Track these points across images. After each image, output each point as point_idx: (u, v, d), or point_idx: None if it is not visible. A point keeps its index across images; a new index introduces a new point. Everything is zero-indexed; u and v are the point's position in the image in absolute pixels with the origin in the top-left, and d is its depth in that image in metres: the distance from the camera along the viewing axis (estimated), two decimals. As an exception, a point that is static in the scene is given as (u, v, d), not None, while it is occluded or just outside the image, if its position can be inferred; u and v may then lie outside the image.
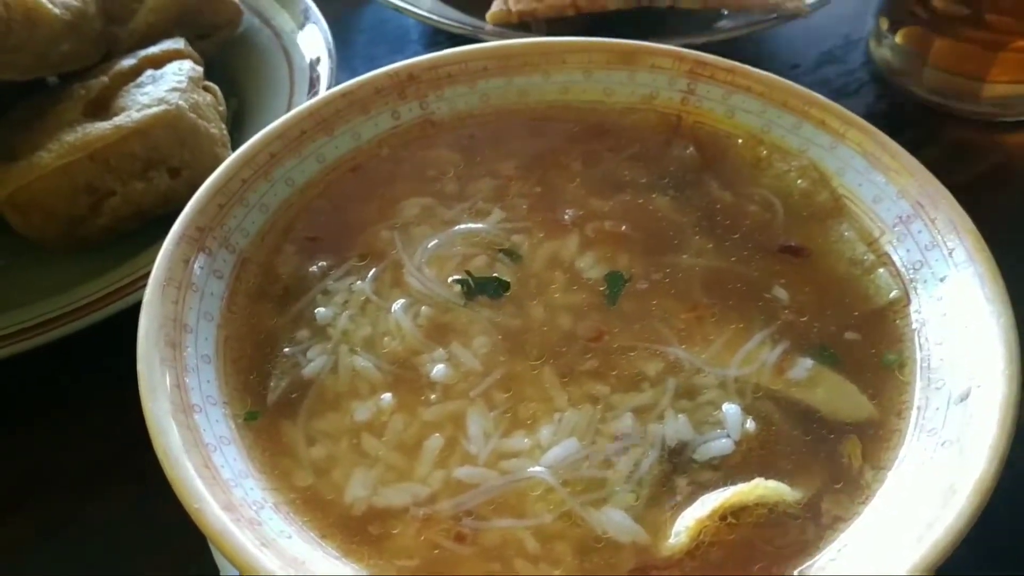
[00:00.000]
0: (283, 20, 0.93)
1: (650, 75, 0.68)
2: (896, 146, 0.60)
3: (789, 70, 1.03)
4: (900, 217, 0.59)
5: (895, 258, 0.58)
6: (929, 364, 0.53)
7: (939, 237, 0.56)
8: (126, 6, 0.87)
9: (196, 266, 0.55)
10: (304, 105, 0.63)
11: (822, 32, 1.06)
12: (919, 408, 0.51)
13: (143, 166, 0.74)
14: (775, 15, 0.90)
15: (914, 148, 0.91)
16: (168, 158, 0.74)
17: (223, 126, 0.80)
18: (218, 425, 0.49)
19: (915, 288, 0.56)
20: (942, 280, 0.55)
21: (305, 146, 0.63)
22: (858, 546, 0.45)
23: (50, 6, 0.77)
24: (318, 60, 0.87)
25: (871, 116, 0.95)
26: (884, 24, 1.01)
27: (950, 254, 0.55)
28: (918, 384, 0.52)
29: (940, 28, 0.94)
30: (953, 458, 0.46)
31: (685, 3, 0.88)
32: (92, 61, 0.83)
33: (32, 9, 0.75)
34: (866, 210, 0.61)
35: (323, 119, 0.64)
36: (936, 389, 0.51)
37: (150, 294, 0.52)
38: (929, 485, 0.46)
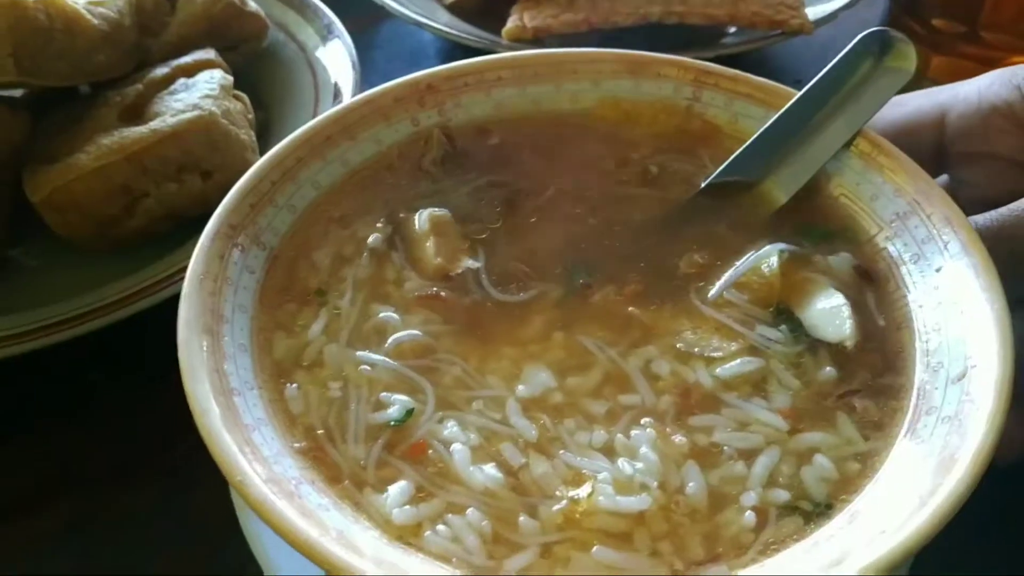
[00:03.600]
0: (308, 35, 0.97)
1: (656, 83, 0.70)
2: (891, 146, 0.63)
3: (793, 84, 1.06)
4: (897, 214, 0.61)
5: (894, 253, 0.61)
6: (927, 348, 0.55)
7: (935, 231, 0.59)
8: (158, 19, 0.91)
9: (230, 261, 0.57)
10: (329, 112, 0.66)
11: (825, 49, 1.09)
12: (919, 389, 0.54)
13: (177, 169, 0.77)
14: (780, 31, 0.94)
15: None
16: (201, 161, 0.78)
17: (252, 133, 0.83)
18: (255, 408, 0.52)
19: (913, 279, 0.59)
20: (938, 271, 0.57)
21: (330, 151, 0.66)
22: (867, 513, 0.48)
23: (89, 17, 0.80)
24: (342, 73, 0.91)
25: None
26: (884, 42, 1.05)
27: (945, 247, 0.58)
28: (918, 367, 0.55)
29: (939, 45, 0.98)
30: (952, 432, 0.49)
31: (692, 19, 0.92)
32: (125, 71, 0.86)
33: (72, 20, 0.79)
34: (865, 208, 0.63)
35: (347, 125, 0.67)
36: (934, 371, 0.54)
37: (188, 286, 0.55)
38: (931, 457, 0.48)
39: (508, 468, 0.51)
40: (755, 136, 0.65)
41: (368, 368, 0.56)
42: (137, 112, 0.81)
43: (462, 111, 0.70)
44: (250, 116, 0.85)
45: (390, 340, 0.57)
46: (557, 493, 0.50)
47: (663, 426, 0.53)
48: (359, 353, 0.57)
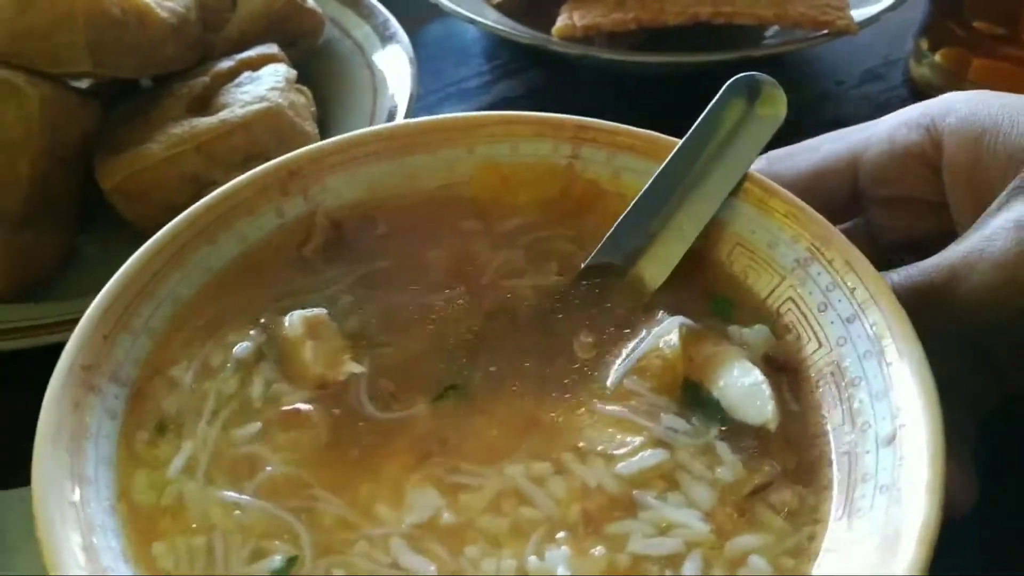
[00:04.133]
0: (364, 33, 0.99)
1: (533, 144, 0.67)
2: (783, 191, 0.61)
3: (835, 85, 1.09)
4: (797, 260, 0.59)
5: (799, 303, 0.59)
6: (851, 408, 0.53)
7: (838, 278, 0.57)
8: (220, 15, 0.93)
9: (87, 408, 0.52)
10: (183, 215, 0.61)
11: (864, 52, 1.12)
12: (848, 454, 0.52)
13: (243, 158, 0.79)
14: (825, 31, 0.96)
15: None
16: (267, 152, 0.80)
17: (315, 126, 0.86)
18: None
19: (824, 332, 0.57)
20: (848, 321, 0.56)
21: (189, 257, 0.60)
22: None
23: (159, 11, 0.83)
24: (399, 70, 0.93)
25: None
26: (924, 44, 1.07)
27: (852, 293, 0.56)
28: (845, 428, 0.53)
29: (978, 47, 0.99)
30: (892, 504, 0.47)
31: (740, 19, 0.94)
32: (190, 64, 0.89)
33: (144, 13, 0.82)
34: (764, 256, 0.61)
35: (204, 227, 0.61)
36: (862, 431, 0.52)
37: (41, 448, 0.48)
38: (873, 534, 0.47)
39: None
40: (641, 193, 0.63)
41: (232, 511, 0.50)
42: (204, 104, 0.84)
43: (330, 195, 0.65)
44: (313, 110, 0.88)
45: (258, 475, 0.52)
46: None
47: (577, 541, 0.49)
48: (222, 493, 0.51)
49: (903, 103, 1.05)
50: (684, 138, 0.64)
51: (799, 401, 0.56)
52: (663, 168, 0.64)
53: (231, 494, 0.51)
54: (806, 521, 0.50)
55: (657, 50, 0.99)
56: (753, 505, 0.51)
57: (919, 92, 1.07)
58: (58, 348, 0.54)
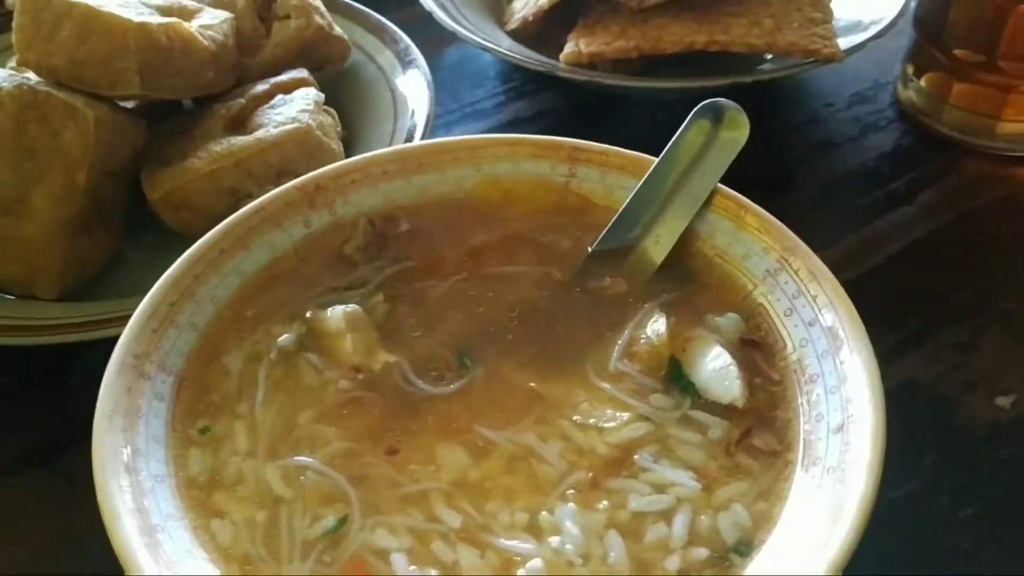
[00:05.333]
0: (386, 57, 1.07)
1: (533, 163, 0.76)
2: (757, 208, 0.70)
3: (824, 108, 1.16)
4: (768, 271, 0.67)
5: (769, 308, 0.67)
6: (808, 399, 0.61)
7: (803, 286, 0.65)
8: (255, 42, 1.02)
9: (139, 392, 0.59)
10: (220, 225, 0.70)
11: (854, 76, 1.19)
12: (804, 441, 0.59)
13: (276, 173, 0.88)
14: (812, 59, 1.03)
15: (937, 177, 1.05)
16: (297, 168, 0.88)
17: (340, 144, 0.94)
18: (181, 541, 0.55)
19: (789, 333, 0.65)
20: (809, 324, 0.64)
21: (226, 263, 0.69)
22: (763, 568, 0.54)
23: (201, 39, 0.92)
24: (419, 93, 1.01)
25: (898, 149, 1.10)
26: (910, 69, 1.14)
27: (814, 300, 0.64)
28: (801, 419, 0.61)
29: (960, 73, 1.06)
30: (837, 483, 0.54)
31: (734, 48, 1.02)
32: (227, 87, 0.97)
33: (188, 41, 0.90)
34: (738, 266, 0.69)
35: (240, 236, 0.70)
36: (817, 422, 0.59)
37: (99, 426, 0.56)
38: (819, 508, 0.54)
39: (443, 566, 0.54)
40: (625, 204, 0.72)
41: (292, 480, 0.58)
42: (240, 123, 0.92)
43: (352, 207, 0.74)
44: (339, 129, 0.96)
45: (315, 450, 0.60)
46: None
47: (582, 497, 0.57)
48: (280, 464, 0.59)
49: (889, 124, 1.14)
50: (658, 158, 0.73)
51: (773, 371, 0.64)
52: (642, 184, 0.72)
53: (285, 464, 0.59)
54: (778, 465, 0.59)
55: (660, 76, 1.06)
56: (737, 452, 0.60)
57: (905, 114, 1.14)
58: (106, 343, 0.62)
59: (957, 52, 1.06)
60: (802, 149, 1.11)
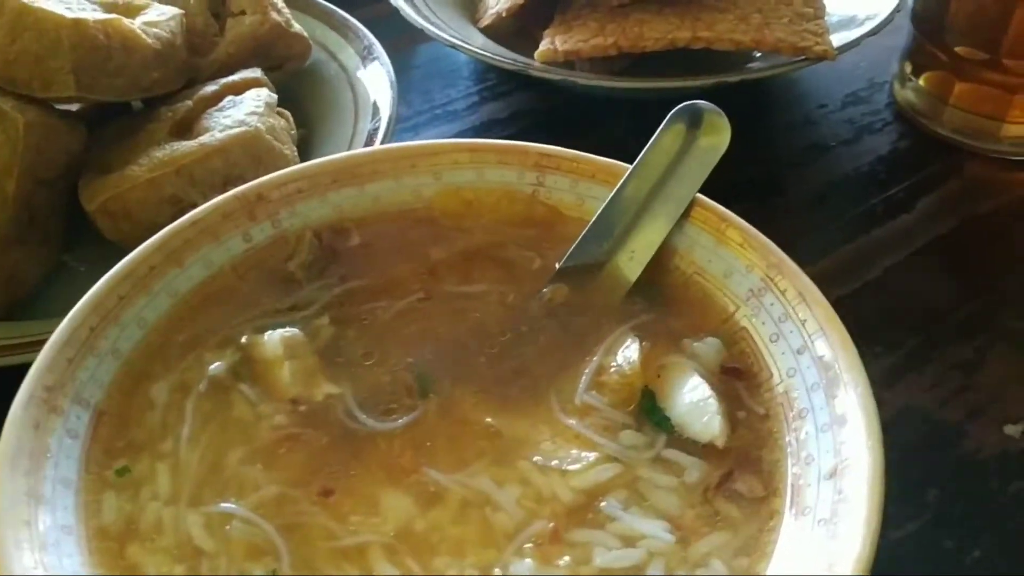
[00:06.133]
0: (348, 55, 1.00)
1: (498, 171, 0.69)
2: (740, 221, 0.63)
3: (817, 109, 1.09)
4: (752, 290, 0.61)
5: (753, 333, 0.60)
6: (797, 438, 0.54)
7: (790, 309, 0.58)
8: (207, 39, 0.95)
9: (48, 429, 0.53)
10: (149, 241, 0.63)
11: (848, 76, 1.13)
12: (792, 486, 0.53)
13: (223, 181, 0.81)
14: (803, 57, 0.96)
15: (938, 182, 0.99)
16: (245, 174, 0.81)
17: (294, 148, 0.87)
18: None
19: (776, 362, 0.58)
20: (798, 352, 0.57)
21: (155, 282, 0.62)
22: None
23: (144, 36, 0.85)
24: (381, 92, 0.94)
25: (895, 152, 1.03)
26: (908, 68, 1.07)
27: (803, 324, 0.57)
28: (789, 460, 0.54)
29: (961, 72, 1.00)
30: (829, 538, 0.48)
31: (719, 45, 0.95)
32: (176, 87, 0.90)
33: (129, 39, 0.83)
34: (719, 286, 0.63)
35: (171, 251, 0.63)
36: (807, 464, 0.52)
37: None
38: (809, 566, 0.47)
39: None
40: (595, 216, 0.66)
41: (215, 530, 0.52)
42: (187, 127, 0.86)
43: (299, 219, 0.67)
44: (293, 132, 0.89)
45: (243, 495, 0.53)
46: None
47: (541, 551, 0.51)
48: (204, 511, 0.53)
49: (886, 126, 1.07)
50: (632, 166, 0.66)
51: (757, 404, 0.58)
52: (614, 194, 0.66)
53: (209, 511, 0.52)
54: (763, 514, 0.52)
55: (642, 75, 0.99)
56: (716, 498, 0.53)
57: (902, 115, 1.07)
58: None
59: (958, 49, 0.99)
60: (793, 153, 1.04)
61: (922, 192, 0.98)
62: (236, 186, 0.82)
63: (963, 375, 0.80)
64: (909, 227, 0.94)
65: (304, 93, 0.99)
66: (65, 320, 0.57)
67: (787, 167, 1.02)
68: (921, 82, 1.05)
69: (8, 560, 0.46)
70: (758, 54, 1.05)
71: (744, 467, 0.54)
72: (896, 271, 0.90)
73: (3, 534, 0.47)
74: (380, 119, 0.90)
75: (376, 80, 0.96)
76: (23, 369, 0.69)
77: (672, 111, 0.68)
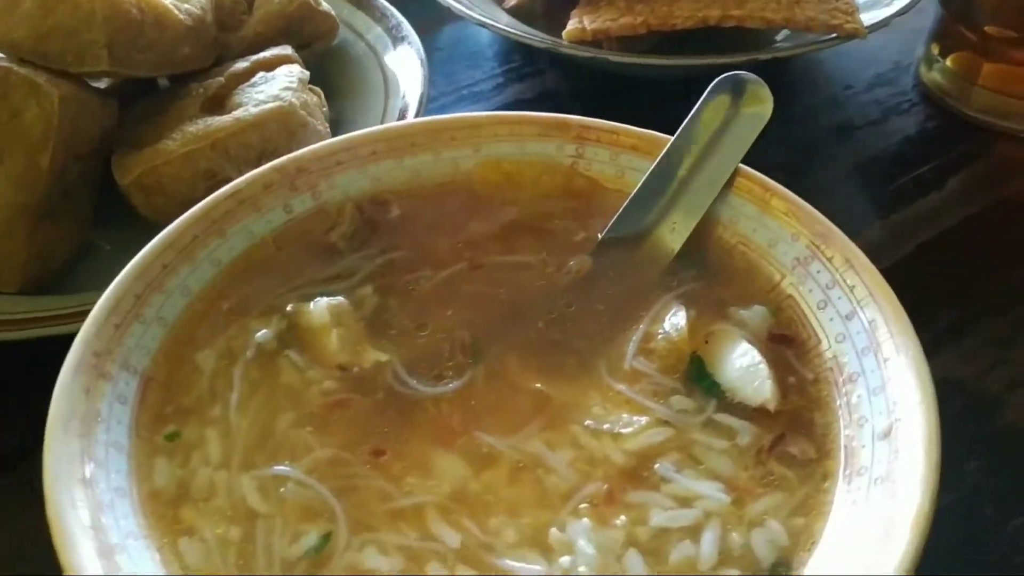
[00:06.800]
0: (376, 35, 1.00)
1: (537, 143, 0.69)
2: (783, 190, 0.63)
3: (843, 90, 1.09)
4: (797, 259, 0.61)
5: (799, 300, 0.60)
6: (848, 401, 0.54)
7: (838, 276, 0.58)
8: (235, 17, 0.95)
9: (98, 394, 0.53)
10: (191, 211, 0.63)
11: (873, 58, 1.13)
12: (846, 448, 0.53)
13: (257, 156, 0.81)
14: (834, 35, 0.96)
15: (967, 162, 0.98)
16: (279, 149, 0.81)
17: (327, 125, 0.87)
18: (143, 563, 0.48)
19: (824, 328, 0.58)
20: (847, 318, 0.57)
21: (199, 251, 0.62)
22: None
23: (176, 12, 0.85)
24: (411, 72, 0.94)
25: (923, 132, 1.03)
26: (935, 49, 1.07)
27: (851, 291, 0.57)
28: (841, 423, 0.54)
29: (990, 52, 1.00)
30: (887, 496, 0.48)
31: (749, 23, 0.95)
32: (205, 64, 0.90)
33: (162, 14, 0.83)
34: (764, 255, 0.62)
35: (214, 221, 0.63)
36: (860, 426, 0.53)
37: (52, 432, 0.49)
38: (867, 524, 0.47)
39: None
40: (637, 188, 0.65)
41: (269, 493, 0.52)
42: (219, 103, 0.85)
43: (338, 191, 0.67)
44: (324, 109, 0.89)
45: (296, 458, 0.53)
46: None
47: (597, 512, 0.51)
48: (257, 474, 0.52)
49: (912, 108, 1.07)
50: (674, 137, 0.66)
51: (806, 369, 0.58)
52: (656, 165, 0.66)
53: (263, 474, 0.52)
54: (816, 475, 0.52)
55: (667, 54, 0.99)
56: (769, 460, 0.53)
57: (929, 97, 1.07)
58: (71, 339, 0.55)
59: (988, 29, 0.99)
60: (821, 133, 1.04)
61: (951, 172, 0.98)
62: (271, 159, 0.83)
63: (999, 349, 0.79)
64: (939, 206, 0.94)
65: (333, 73, 0.99)
66: (111, 287, 0.57)
67: (815, 147, 1.02)
68: (948, 63, 1.05)
69: (65, 518, 0.46)
70: (779, 37, 1.06)
71: (796, 430, 0.54)
72: (927, 249, 0.90)
73: (59, 495, 0.47)
74: (411, 97, 0.90)
75: (405, 59, 0.96)
76: (57, 342, 0.70)
77: (714, 82, 0.67)
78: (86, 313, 0.69)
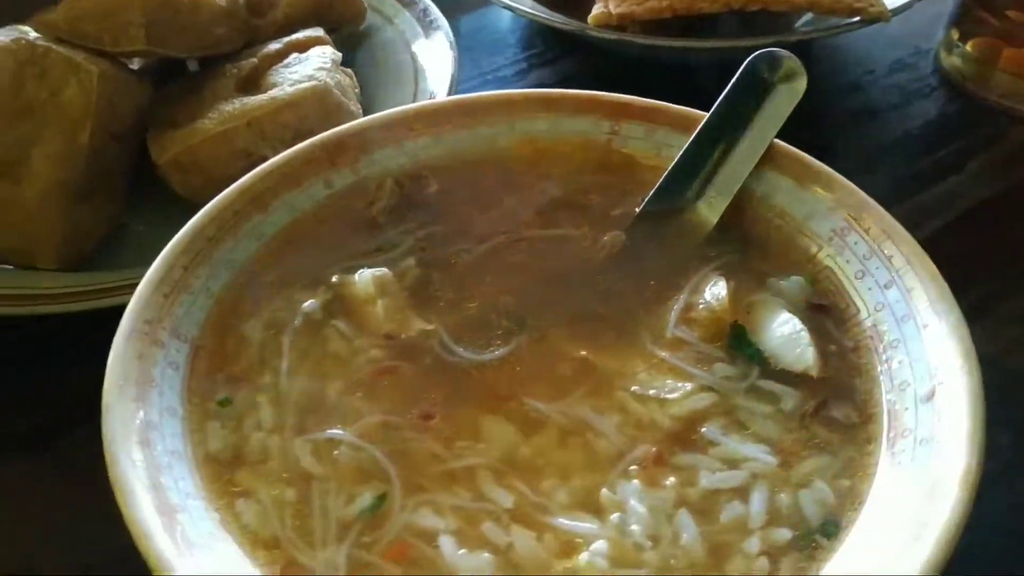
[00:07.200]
0: (404, 19, 1.01)
1: (573, 120, 0.71)
2: (819, 164, 0.64)
3: (864, 75, 1.10)
4: (834, 231, 0.62)
5: (837, 271, 0.61)
6: (890, 367, 0.55)
7: (875, 246, 0.59)
8: (266, 1, 0.96)
9: (151, 360, 0.54)
10: (234, 185, 0.64)
11: (894, 43, 1.14)
12: (888, 412, 0.54)
13: (292, 135, 0.82)
14: (858, 18, 0.97)
15: (986, 146, 0.99)
16: (315, 129, 0.81)
17: (359, 105, 0.88)
18: (203, 522, 0.49)
19: (862, 297, 0.59)
20: (886, 286, 0.58)
21: (242, 225, 0.63)
22: (856, 552, 0.48)
23: (211, -7, 0.86)
24: (441, 56, 0.95)
25: (943, 117, 1.04)
26: (955, 35, 1.08)
27: (889, 260, 0.58)
28: (883, 388, 0.55)
29: (1011, 36, 1.01)
30: (932, 456, 0.49)
31: (775, 6, 0.96)
32: (237, 47, 0.92)
33: (197, -5, 0.85)
34: (800, 227, 0.64)
35: (256, 196, 0.64)
36: (902, 391, 0.54)
37: (109, 396, 0.50)
38: (912, 484, 0.48)
39: (495, 549, 0.49)
40: (674, 163, 0.67)
41: (323, 456, 0.53)
42: (253, 83, 0.87)
43: (377, 167, 0.69)
44: (356, 90, 0.90)
45: (347, 423, 0.54)
46: (553, 570, 0.48)
47: (646, 473, 0.52)
48: (310, 438, 0.54)
49: (932, 92, 1.08)
50: (711, 110, 0.67)
51: (846, 338, 0.59)
52: (692, 141, 0.67)
53: (316, 438, 0.53)
54: (859, 439, 0.53)
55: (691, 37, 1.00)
56: (812, 424, 0.54)
57: (949, 82, 1.08)
58: (108, 319, 0.56)
59: (1009, 13, 1.00)
60: (842, 117, 1.05)
61: (971, 155, 0.99)
62: (306, 139, 0.83)
63: (1022, 327, 0.80)
64: (959, 188, 0.95)
65: (363, 58, 1.01)
66: (159, 259, 0.58)
67: (836, 130, 1.03)
68: (968, 48, 1.06)
69: (127, 478, 0.47)
70: (803, 19, 1.07)
71: (838, 396, 0.56)
72: (948, 230, 0.91)
73: (120, 456, 0.48)
74: (441, 80, 0.91)
75: (435, 42, 0.97)
76: (92, 320, 0.69)
77: (749, 58, 0.68)
78: (124, 287, 0.71)
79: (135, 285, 0.57)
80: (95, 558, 0.64)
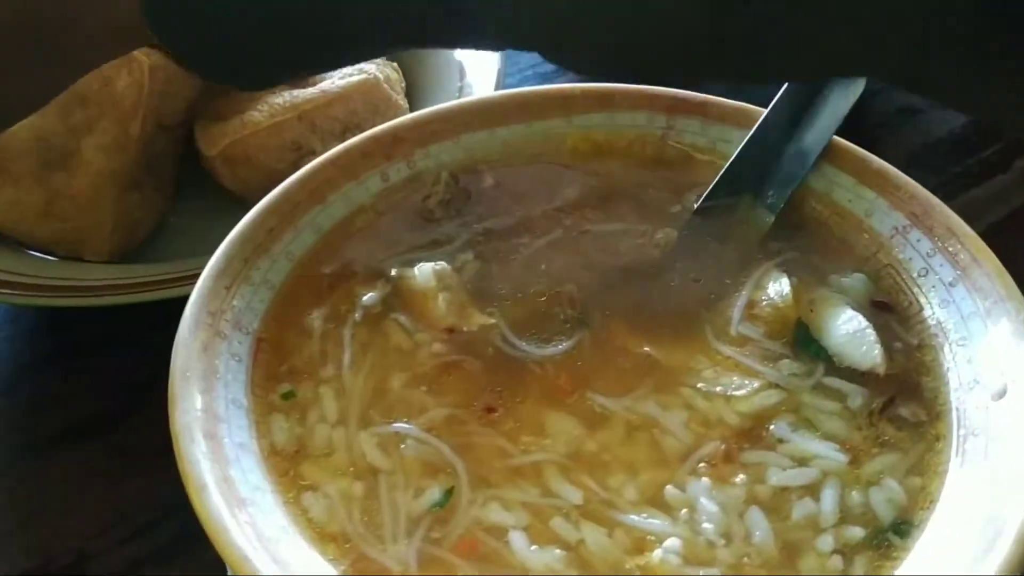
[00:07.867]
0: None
1: (629, 115, 0.70)
2: (880, 161, 0.63)
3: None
4: (896, 228, 0.61)
5: (899, 269, 0.60)
6: (956, 365, 0.55)
7: (939, 243, 0.58)
8: (311, -6, 0.96)
9: (215, 352, 0.54)
10: (292, 178, 0.64)
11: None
12: (957, 410, 0.53)
13: (342, 128, 0.82)
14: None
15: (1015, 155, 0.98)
16: (363, 123, 0.83)
17: (406, 100, 0.88)
18: (273, 515, 0.49)
19: (926, 295, 0.59)
20: (951, 284, 0.57)
21: (300, 217, 0.63)
22: (931, 551, 0.47)
23: (259, -13, 0.86)
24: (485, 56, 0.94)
25: (969, 123, 1.03)
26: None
27: (954, 258, 0.57)
28: (951, 386, 0.54)
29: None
30: (1006, 453, 0.48)
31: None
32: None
33: (246, -12, 0.84)
34: (861, 225, 0.63)
35: (314, 188, 0.64)
36: (970, 389, 0.53)
37: (175, 387, 0.51)
38: (986, 482, 0.48)
39: (566, 545, 0.48)
40: (731, 158, 0.66)
41: (390, 449, 0.53)
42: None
43: (432, 160, 0.68)
44: (403, 84, 0.90)
45: (412, 417, 0.54)
46: (626, 566, 0.48)
47: (716, 471, 0.51)
48: (375, 431, 0.54)
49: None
50: (769, 107, 0.67)
51: (910, 335, 0.58)
52: (749, 137, 0.66)
53: (383, 431, 0.53)
54: (928, 437, 0.53)
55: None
56: (880, 422, 0.54)
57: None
58: (156, 312, 0.57)
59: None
60: (884, 115, 1.04)
61: (1017, 154, 0.98)
62: (354, 135, 0.83)
63: (1077, 327, 0.80)
64: (1008, 187, 0.95)
65: (407, 52, 0.99)
66: (219, 250, 0.58)
67: (880, 129, 1.02)
68: (1013, 46, 1.06)
69: (197, 470, 0.47)
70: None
71: (905, 393, 0.55)
72: (997, 229, 0.90)
73: (188, 447, 0.48)
74: (487, 73, 0.91)
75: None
76: (140, 313, 0.69)
77: None
78: (182, 279, 0.72)
79: (192, 277, 0.58)
80: (143, 553, 0.66)
